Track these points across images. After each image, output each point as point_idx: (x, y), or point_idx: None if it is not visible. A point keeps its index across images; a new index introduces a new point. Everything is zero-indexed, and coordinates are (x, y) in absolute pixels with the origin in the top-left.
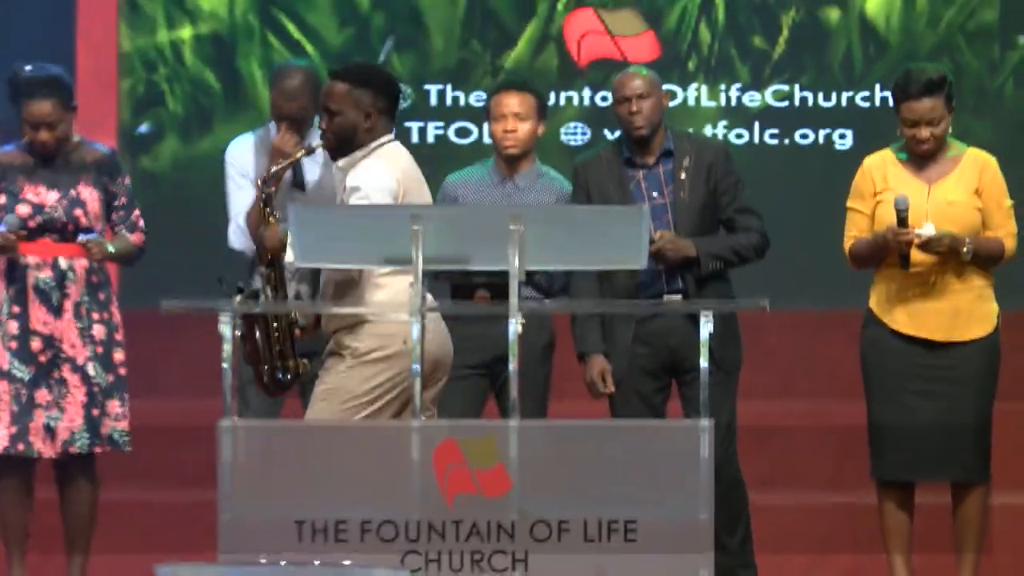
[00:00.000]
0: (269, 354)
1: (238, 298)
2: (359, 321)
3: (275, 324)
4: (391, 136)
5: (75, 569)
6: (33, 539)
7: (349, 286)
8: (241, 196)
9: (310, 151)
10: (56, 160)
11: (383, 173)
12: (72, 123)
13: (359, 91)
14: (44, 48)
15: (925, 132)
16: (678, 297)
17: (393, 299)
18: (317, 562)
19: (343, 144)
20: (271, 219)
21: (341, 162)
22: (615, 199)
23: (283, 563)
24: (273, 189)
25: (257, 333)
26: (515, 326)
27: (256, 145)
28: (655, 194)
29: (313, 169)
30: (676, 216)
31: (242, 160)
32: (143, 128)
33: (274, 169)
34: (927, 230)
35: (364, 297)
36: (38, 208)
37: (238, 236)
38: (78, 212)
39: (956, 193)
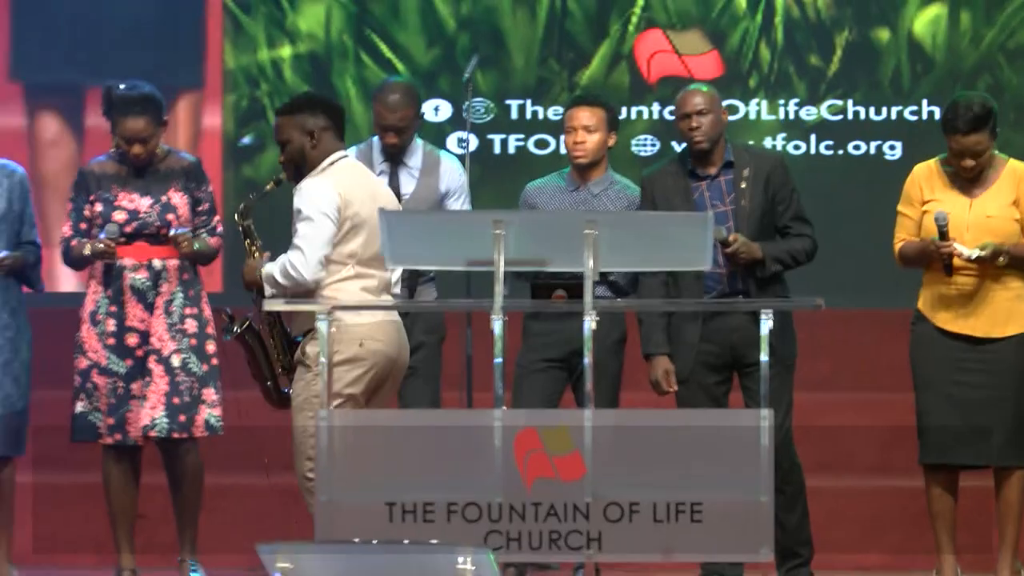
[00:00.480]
0: (270, 371)
1: (236, 328)
2: (312, 330)
3: (273, 343)
4: (342, 152)
5: (186, 548)
6: (141, 522)
7: (309, 294)
8: None
9: (279, 183)
10: (147, 169)
11: (321, 190)
12: (161, 136)
13: (299, 117)
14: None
15: (970, 163)
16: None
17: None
18: (406, 541)
19: (299, 167)
20: (253, 250)
21: (299, 184)
22: (680, 209)
23: (374, 542)
24: (249, 222)
25: (256, 354)
26: (590, 323)
27: (356, 158)
28: (717, 203)
29: (409, 181)
30: (737, 223)
31: None
32: (246, 140)
33: (243, 205)
34: (969, 252)
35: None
36: (133, 214)
37: None
38: (170, 216)
39: (995, 206)
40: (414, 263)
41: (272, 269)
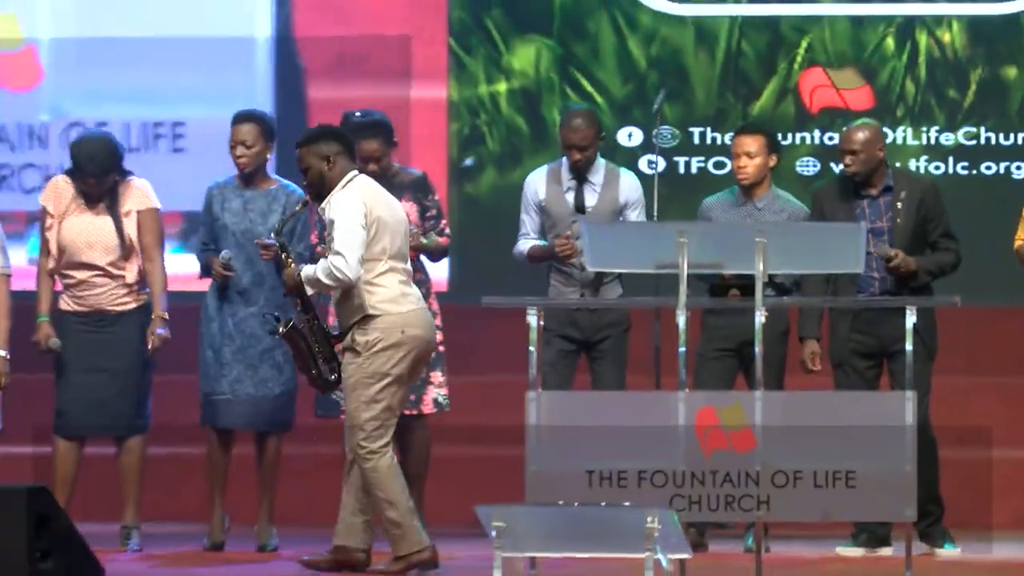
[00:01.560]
0: (314, 362)
1: (281, 328)
2: (362, 318)
3: (314, 337)
4: (355, 172)
5: (415, 500)
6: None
7: (352, 290)
8: (527, 218)
9: (305, 204)
10: (381, 183)
11: (350, 201)
12: (392, 156)
13: (316, 146)
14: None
15: None
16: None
17: (387, 296)
18: (603, 504)
19: (320, 189)
20: (288, 260)
21: (324, 203)
22: (843, 221)
23: (575, 504)
24: (283, 238)
25: (300, 348)
26: (760, 317)
27: (548, 175)
28: (876, 220)
29: (592, 195)
30: (893, 238)
31: (534, 187)
32: (468, 162)
33: (279, 224)
34: None
35: (363, 299)
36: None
37: (520, 248)
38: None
39: None
40: (610, 266)
41: (313, 272)
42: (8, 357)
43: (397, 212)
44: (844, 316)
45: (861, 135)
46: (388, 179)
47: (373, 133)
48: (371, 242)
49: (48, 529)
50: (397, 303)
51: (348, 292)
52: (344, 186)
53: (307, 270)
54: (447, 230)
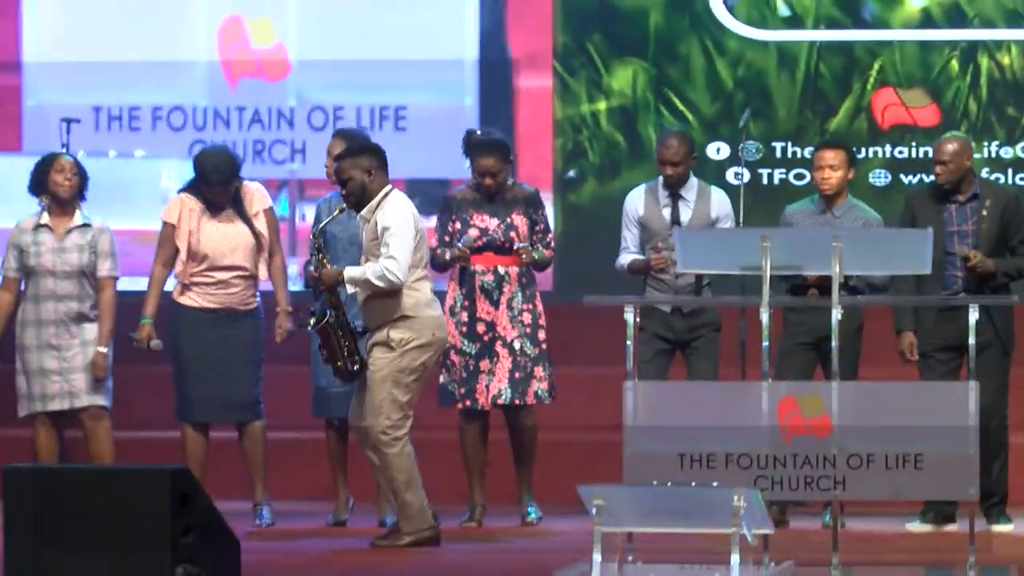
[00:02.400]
0: (341, 354)
1: (312, 320)
2: (398, 317)
3: (340, 332)
4: (390, 186)
5: (523, 483)
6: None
7: (392, 293)
8: (628, 233)
9: (342, 211)
10: (497, 196)
11: (403, 211)
12: (508, 171)
13: (357, 159)
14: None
15: None
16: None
17: (421, 300)
18: (693, 484)
19: (360, 199)
20: (324, 262)
21: (364, 211)
22: (931, 225)
23: (668, 484)
24: (321, 241)
25: (330, 341)
26: (836, 314)
27: (646, 193)
28: (962, 224)
29: (686, 211)
30: (977, 241)
31: (634, 204)
32: (571, 174)
33: (318, 228)
34: None
35: (401, 300)
36: (483, 231)
37: (621, 262)
38: (512, 234)
39: None
40: (701, 268)
41: (362, 273)
42: (106, 353)
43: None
44: (930, 312)
45: (951, 147)
46: (503, 194)
47: (491, 151)
48: (413, 249)
49: (189, 507)
50: (430, 307)
51: (383, 293)
52: (385, 197)
53: (353, 271)
54: (552, 243)
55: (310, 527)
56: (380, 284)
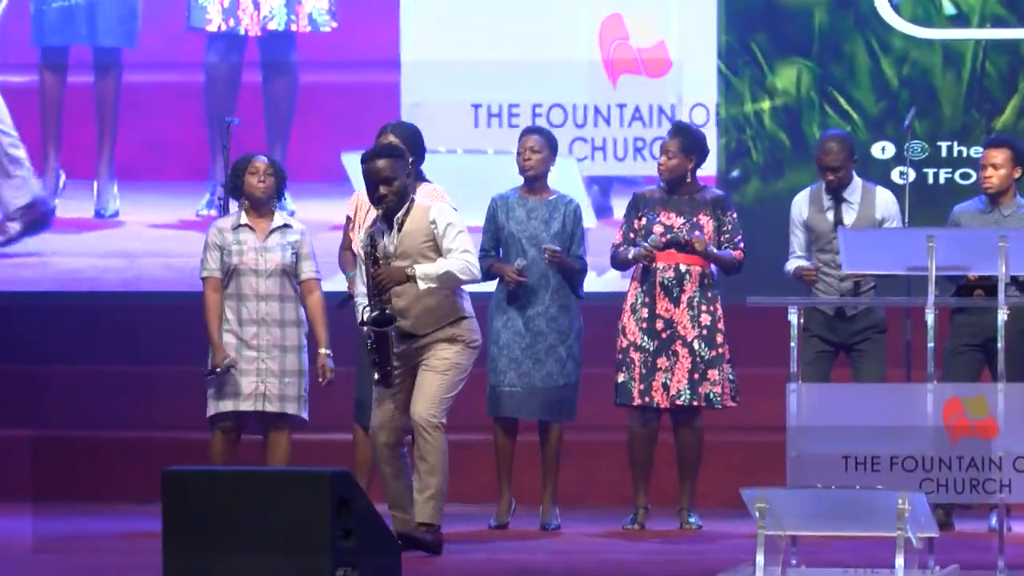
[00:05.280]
0: (391, 360)
1: (372, 319)
2: (459, 318)
3: (394, 339)
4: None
5: (687, 488)
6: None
7: (448, 295)
8: (794, 237)
9: (374, 222)
10: (684, 196)
11: (454, 212)
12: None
13: (402, 161)
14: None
15: None
16: None
17: (469, 302)
18: (858, 486)
19: (400, 201)
20: (379, 259)
21: (399, 215)
22: None
23: (833, 487)
24: (376, 253)
25: (384, 344)
26: (1002, 315)
27: (810, 196)
28: None
29: (850, 213)
30: None
31: (799, 208)
32: (734, 173)
33: (371, 225)
34: None
35: (460, 301)
36: (668, 228)
37: (787, 267)
38: (696, 233)
39: None
40: (865, 268)
41: (443, 268)
42: (331, 353)
43: None
44: None
45: None
46: (691, 194)
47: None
48: None
49: (349, 510)
50: (472, 310)
51: (440, 296)
52: (412, 200)
53: (427, 267)
54: (741, 245)
55: (470, 530)
56: (464, 277)
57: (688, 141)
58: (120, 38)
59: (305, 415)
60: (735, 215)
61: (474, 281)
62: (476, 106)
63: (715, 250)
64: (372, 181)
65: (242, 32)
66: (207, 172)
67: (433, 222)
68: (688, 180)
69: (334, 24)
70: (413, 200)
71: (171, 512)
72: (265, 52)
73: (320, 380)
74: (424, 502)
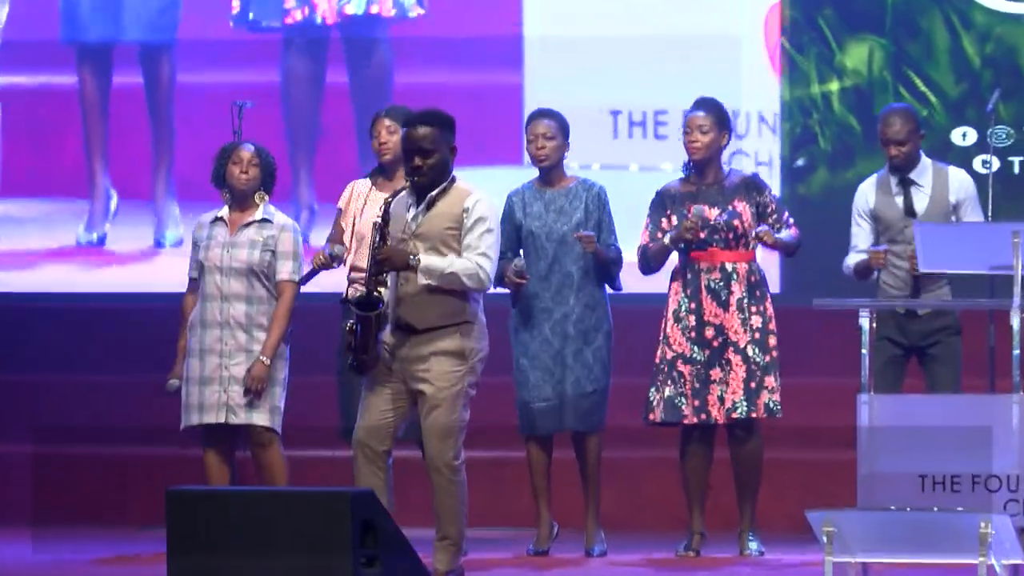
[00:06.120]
0: (373, 346)
1: (356, 301)
2: (465, 322)
3: (378, 324)
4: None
5: (745, 518)
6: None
7: (460, 293)
8: (858, 228)
9: (399, 192)
10: (714, 185)
11: (494, 205)
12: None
13: (445, 133)
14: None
15: None
16: None
17: (480, 306)
18: (935, 508)
19: (435, 179)
20: (387, 245)
21: (434, 193)
22: None
23: (908, 509)
24: (387, 228)
25: (367, 331)
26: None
27: (877, 183)
28: None
29: (921, 199)
30: None
31: (864, 196)
32: (799, 162)
33: (383, 209)
34: None
35: (469, 304)
36: (704, 222)
37: (847, 262)
38: (735, 222)
39: None
40: (943, 267)
41: (449, 266)
42: (267, 364)
43: None
44: None
45: None
46: (720, 182)
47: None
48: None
49: (374, 534)
50: (483, 314)
51: (449, 291)
52: (453, 183)
53: (434, 260)
54: (791, 220)
55: (507, 557)
56: (469, 283)
57: (721, 114)
58: (165, 31)
59: (277, 427)
60: (771, 191)
61: (481, 289)
62: (615, 113)
63: (781, 236)
64: (408, 148)
65: (319, 20)
66: (290, 193)
67: (466, 210)
68: (716, 163)
69: (420, 10)
70: (455, 180)
71: (175, 536)
72: (350, 49)
73: (246, 387)
74: (443, 549)
